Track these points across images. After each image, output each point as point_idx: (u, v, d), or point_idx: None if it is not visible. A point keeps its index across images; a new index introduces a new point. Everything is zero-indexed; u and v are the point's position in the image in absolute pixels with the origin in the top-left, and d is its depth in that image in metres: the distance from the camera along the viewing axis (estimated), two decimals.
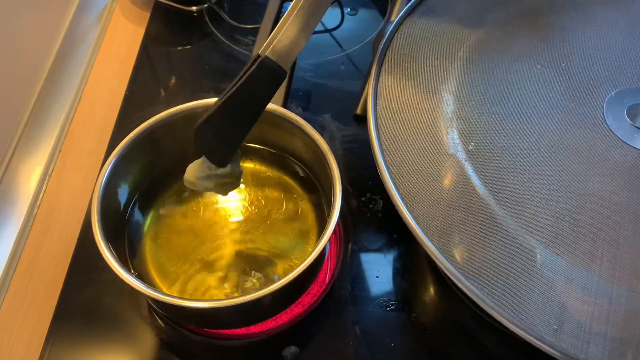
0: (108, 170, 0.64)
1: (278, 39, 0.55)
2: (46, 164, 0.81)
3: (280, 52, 0.55)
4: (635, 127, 0.59)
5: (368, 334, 0.67)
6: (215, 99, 0.68)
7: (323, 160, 0.64)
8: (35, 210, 0.77)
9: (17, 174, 0.80)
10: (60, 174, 0.81)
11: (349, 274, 0.71)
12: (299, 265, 0.57)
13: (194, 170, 0.62)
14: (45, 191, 0.79)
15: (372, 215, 0.76)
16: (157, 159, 0.70)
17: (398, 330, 0.67)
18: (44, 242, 0.75)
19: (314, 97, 0.89)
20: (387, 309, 0.69)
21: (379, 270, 0.72)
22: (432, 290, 0.71)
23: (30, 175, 0.80)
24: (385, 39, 0.68)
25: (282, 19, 0.56)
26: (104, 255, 0.58)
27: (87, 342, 0.67)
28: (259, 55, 0.55)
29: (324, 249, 0.59)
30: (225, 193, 0.64)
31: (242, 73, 0.56)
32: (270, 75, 0.56)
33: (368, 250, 0.73)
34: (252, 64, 0.55)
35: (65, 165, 0.81)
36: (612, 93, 0.62)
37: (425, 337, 0.67)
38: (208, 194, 0.72)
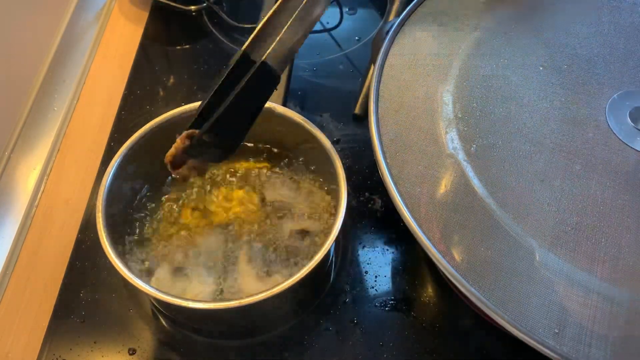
0: (113, 170, 0.64)
1: (275, 45, 0.55)
2: (44, 163, 0.81)
3: (277, 57, 0.56)
4: (637, 129, 0.59)
5: (367, 333, 0.67)
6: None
7: (329, 161, 0.65)
8: (34, 209, 0.77)
9: (16, 173, 0.80)
10: (59, 173, 0.80)
11: (348, 274, 0.71)
12: (303, 267, 0.58)
13: None
14: (43, 190, 0.79)
15: (371, 214, 0.76)
16: (163, 158, 0.70)
17: (397, 330, 0.67)
18: (42, 241, 0.75)
19: (312, 96, 0.89)
20: (387, 308, 0.69)
21: (378, 270, 0.72)
22: (431, 290, 0.71)
23: (28, 175, 0.80)
24: (385, 38, 0.68)
25: (270, 17, 0.57)
26: (109, 256, 0.58)
27: (86, 341, 0.67)
28: (247, 55, 0.57)
29: (328, 252, 0.60)
30: None
31: (228, 71, 0.56)
32: (268, 79, 0.56)
33: (367, 250, 0.73)
34: (241, 64, 0.56)
35: (64, 165, 0.81)
36: (615, 95, 0.62)
37: (425, 337, 0.67)
38: (210, 195, 0.72)
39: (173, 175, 0.60)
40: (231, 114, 0.56)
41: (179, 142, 0.57)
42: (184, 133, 0.57)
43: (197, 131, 0.57)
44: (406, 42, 0.68)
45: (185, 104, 0.69)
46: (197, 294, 0.64)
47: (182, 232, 0.69)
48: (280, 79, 0.57)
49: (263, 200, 0.71)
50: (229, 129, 0.58)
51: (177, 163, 0.59)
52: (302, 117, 0.68)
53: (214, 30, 0.97)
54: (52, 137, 0.84)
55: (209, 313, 0.60)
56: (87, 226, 0.75)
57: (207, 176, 0.73)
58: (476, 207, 0.56)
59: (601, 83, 0.63)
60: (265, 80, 0.56)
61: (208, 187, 0.72)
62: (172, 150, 0.58)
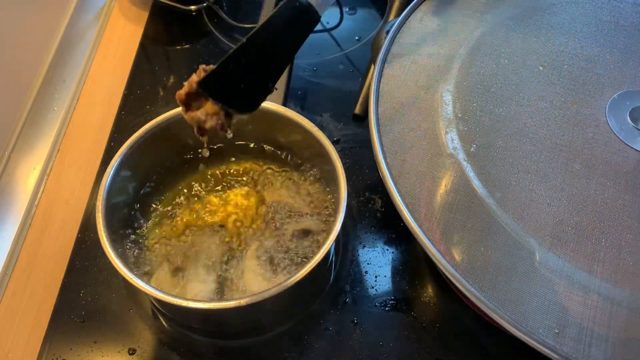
0: (113, 170, 0.64)
1: None
2: (44, 163, 0.81)
3: None
4: (637, 129, 0.59)
5: (367, 333, 0.67)
6: None
7: (329, 161, 0.65)
8: (34, 209, 0.77)
9: (16, 173, 0.80)
10: (59, 173, 0.80)
11: (348, 274, 0.71)
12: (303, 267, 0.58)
13: None
14: (43, 190, 0.79)
15: (371, 214, 0.76)
16: (162, 158, 0.70)
17: (397, 330, 0.67)
18: (42, 241, 0.74)
19: (312, 96, 0.88)
20: (386, 308, 0.69)
21: (378, 270, 0.71)
22: (430, 290, 0.71)
23: (28, 175, 0.80)
24: (385, 38, 0.68)
25: None
26: (109, 256, 0.58)
27: (86, 341, 0.67)
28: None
29: (328, 252, 0.60)
30: None
31: (267, 18, 0.50)
32: (302, 13, 0.51)
33: (367, 250, 0.73)
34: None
35: (64, 165, 0.81)
36: (615, 95, 0.62)
37: (424, 337, 0.67)
38: (210, 195, 0.72)
39: (186, 120, 0.52)
40: (255, 47, 0.49)
41: (194, 76, 0.50)
42: (201, 66, 0.50)
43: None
44: (406, 42, 0.68)
45: None
46: (197, 294, 0.64)
47: (182, 232, 0.69)
48: (319, 19, 0.51)
49: (263, 200, 0.71)
50: (253, 67, 0.50)
51: (191, 103, 0.51)
52: (302, 117, 0.68)
53: (214, 30, 0.97)
54: (52, 137, 0.84)
55: (209, 313, 0.60)
56: (87, 226, 0.75)
57: (206, 176, 0.73)
58: (476, 207, 0.56)
59: (601, 83, 0.63)
60: (297, 16, 0.51)
61: (208, 188, 0.72)
62: (185, 87, 0.51)
